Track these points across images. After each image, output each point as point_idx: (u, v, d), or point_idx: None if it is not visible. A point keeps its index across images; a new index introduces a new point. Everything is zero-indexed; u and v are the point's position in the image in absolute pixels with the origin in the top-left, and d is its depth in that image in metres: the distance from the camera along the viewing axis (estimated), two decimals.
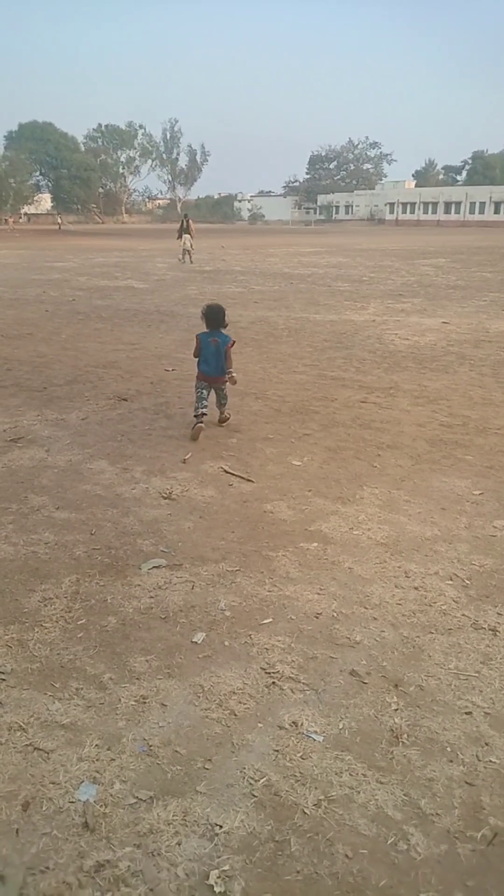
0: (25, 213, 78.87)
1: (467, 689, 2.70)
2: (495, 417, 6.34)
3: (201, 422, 5.66)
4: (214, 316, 5.79)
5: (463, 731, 2.48)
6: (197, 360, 5.88)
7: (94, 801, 2.16)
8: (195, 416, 5.73)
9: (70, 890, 1.89)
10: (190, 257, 24.55)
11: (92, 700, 2.62)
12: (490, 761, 2.35)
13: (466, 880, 1.94)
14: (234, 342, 6.00)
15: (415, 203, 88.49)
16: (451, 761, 2.35)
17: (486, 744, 2.42)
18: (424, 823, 2.11)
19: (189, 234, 27.85)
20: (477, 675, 2.79)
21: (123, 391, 7.18)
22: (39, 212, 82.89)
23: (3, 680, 2.73)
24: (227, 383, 5.89)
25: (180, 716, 2.54)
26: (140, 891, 1.89)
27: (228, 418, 6.00)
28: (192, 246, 24.78)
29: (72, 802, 2.16)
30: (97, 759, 2.33)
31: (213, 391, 5.90)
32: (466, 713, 2.57)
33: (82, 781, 2.24)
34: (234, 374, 5.87)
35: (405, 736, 2.45)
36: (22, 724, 2.49)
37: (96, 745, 2.39)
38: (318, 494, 4.55)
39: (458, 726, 2.51)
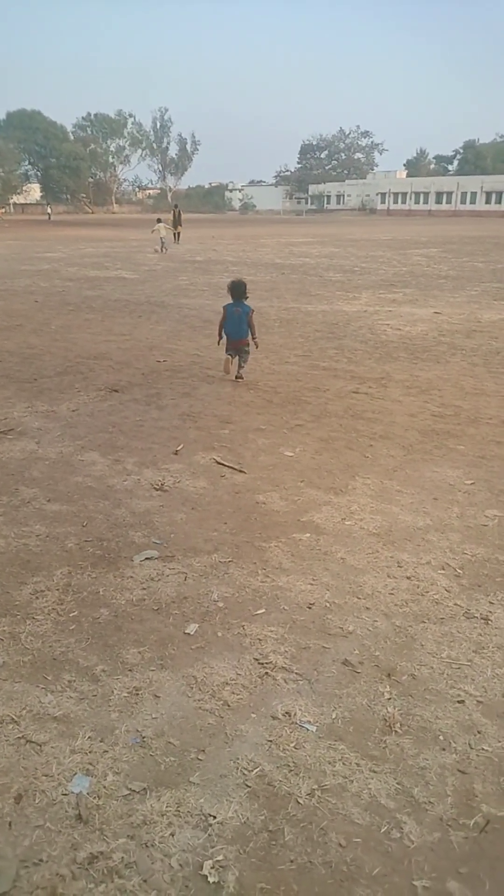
0: (14, 203, 78.08)
1: (460, 678, 2.71)
2: (487, 407, 6.35)
3: (232, 360, 7.10)
4: (237, 289, 7.00)
5: (455, 720, 2.49)
6: (221, 329, 7.09)
7: (88, 793, 2.15)
8: (227, 372, 7.12)
9: (64, 882, 1.89)
10: (164, 246, 24.39)
11: (84, 692, 2.61)
12: (482, 749, 2.36)
13: (459, 867, 1.95)
14: (254, 310, 7.14)
15: (406, 193, 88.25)
16: (444, 749, 2.36)
17: (479, 732, 2.43)
18: (417, 811, 2.12)
19: (179, 223, 27.88)
20: (469, 663, 2.80)
21: (114, 382, 7.14)
22: (28, 202, 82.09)
23: None
24: (250, 345, 7.10)
25: (173, 707, 2.54)
26: (134, 882, 1.89)
27: (243, 378, 7.11)
28: (166, 235, 24.64)
29: (65, 794, 2.16)
30: (90, 751, 2.32)
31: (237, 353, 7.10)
32: (459, 702, 2.58)
33: (75, 773, 2.23)
34: (256, 339, 7.15)
35: (398, 725, 2.45)
36: (14, 716, 2.48)
37: (89, 737, 2.38)
38: (311, 485, 4.55)
39: (450, 715, 2.52)
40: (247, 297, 7.07)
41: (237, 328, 6.96)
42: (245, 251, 26.07)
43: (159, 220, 25.56)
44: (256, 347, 7.24)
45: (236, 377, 7.13)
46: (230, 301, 7.09)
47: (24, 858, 1.95)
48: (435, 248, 26.91)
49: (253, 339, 7.08)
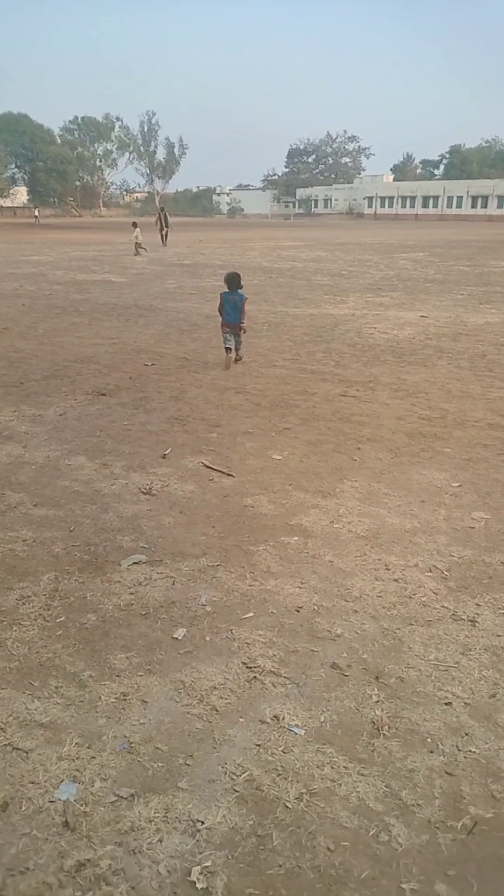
0: (0, 206, 77.76)
1: (447, 680, 2.72)
2: (473, 410, 6.39)
3: (229, 353, 7.91)
4: (233, 280, 7.88)
5: (443, 722, 2.50)
6: (220, 313, 7.96)
7: (75, 800, 2.14)
8: (225, 349, 7.94)
9: (50, 890, 1.87)
10: (139, 248, 24.53)
11: (71, 698, 2.59)
12: (470, 751, 2.37)
13: (447, 870, 1.96)
14: (247, 298, 8.03)
15: (393, 197, 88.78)
16: (432, 752, 2.36)
17: (466, 734, 2.44)
18: (406, 814, 2.13)
19: (167, 226, 28.06)
20: (456, 665, 2.81)
21: (102, 386, 7.11)
22: (16, 205, 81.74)
23: None
24: (242, 330, 7.96)
25: (161, 712, 2.53)
26: (121, 889, 1.87)
27: (241, 358, 8.05)
28: (142, 239, 24.79)
29: (52, 802, 2.14)
30: (77, 758, 2.31)
31: (233, 336, 7.92)
32: (446, 704, 2.59)
33: (62, 780, 2.22)
34: (244, 325, 7.95)
35: (386, 728, 2.46)
36: (0, 723, 2.45)
37: (76, 744, 2.37)
38: (299, 488, 4.55)
39: (438, 717, 2.52)
40: (241, 287, 7.94)
41: (233, 314, 7.83)
42: (233, 254, 26.08)
43: (135, 225, 25.67)
44: (244, 332, 8.05)
45: (235, 360, 7.96)
46: (226, 291, 7.91)
47: (11, 867, 1.94)
48: (421, 252, 27.07)
49: (241, 325, 7.88)
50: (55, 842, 2.01)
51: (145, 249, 24.54)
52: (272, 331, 10.41)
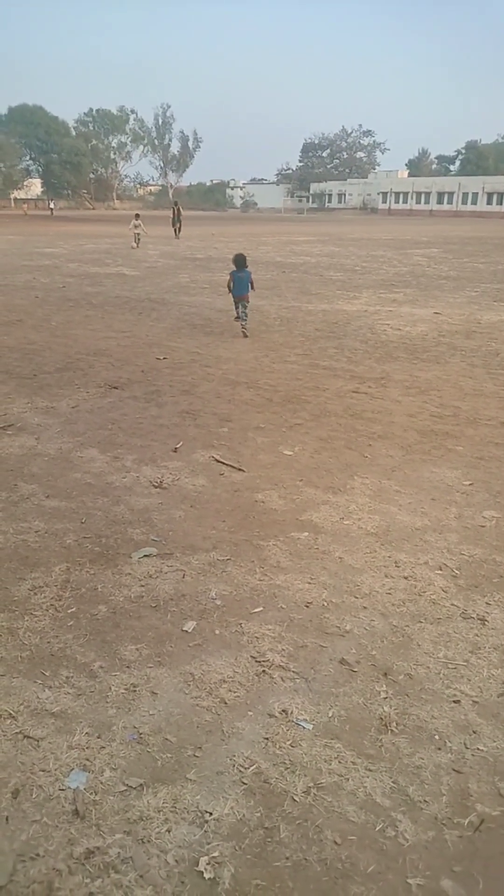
0: (15, 198, 78.00)
1: (456, 678, 2.72)
2: (486, 408, 6.36)
3: (241, 323, 9.70)
4: (240, 260, 9.85)
5: (451, 719, 2.50)
6: (230, 291, 9.88)
7: (85, 789, 2.17)
8: (237, 318, 9.85)
9: (60, 877, 1.90)
10: (137, 241, 24.64)
11: (82, 688, 2.62)
12: (478, 749, 2.37)
13: (453, 866, 1.97)
14: (252, 273, 9.97)
15: (408, 193, 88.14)
16: (440, 749, 2.37)
17: (474, 732, 2.45)
18: (412, 810, 2.14)
19: (179, 220, 28.24)
20: (465, 663, 2.81)
21: (114, 379, 7.14)
22: (29, 196, 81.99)
23: None
24: (249, 298, 9.83)
25: (171, 704, 2.55)
26: (130, 877, 1.90)
27: (247, 332, 9.62)
28: (144, 231, 24.90)
29: (62, 790, 2.17)
30: (87, 747, 2.33)
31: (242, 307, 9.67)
32: (455, 701, 2.59)
33: (72, 769, 2.24)
34: (252, 291, 9.91)
35: (394, 724, 2.47)
36: (12, 712, 2.48)
37: (86, 733, 2.39)
38: (309, 484, 4.56)
39: (446, 714, 2.53)
40: (247, 266, 9.88)
41: (243, 287, 9.69)
42: (246, 249, 25.86)
43: (138, 216, 25.73)
44: (253, 289, 9.89)
45: (243, 328, 9.57)
46: (235, 270, 9.77)
47: (21, 853, 1.97)
48: (436, 249, 26.90)
49: (248, 293, 9.78)
50: (65, 829, 2.04)
51: (136, 244, 24.67)
52: (284, 326, 10.40)
